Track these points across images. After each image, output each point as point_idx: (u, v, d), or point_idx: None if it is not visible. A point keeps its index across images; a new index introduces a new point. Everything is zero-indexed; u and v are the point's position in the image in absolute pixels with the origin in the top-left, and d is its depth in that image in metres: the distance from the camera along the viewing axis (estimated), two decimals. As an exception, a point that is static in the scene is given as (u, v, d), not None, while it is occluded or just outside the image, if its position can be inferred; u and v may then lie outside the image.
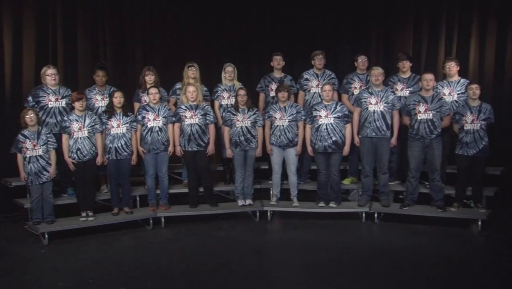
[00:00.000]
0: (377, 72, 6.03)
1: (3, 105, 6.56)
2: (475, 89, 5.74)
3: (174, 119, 6.10)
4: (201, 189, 6.36)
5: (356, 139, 6.13)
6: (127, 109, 5.98)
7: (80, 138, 5.66)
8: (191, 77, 6.28)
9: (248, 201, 6.32)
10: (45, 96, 5.89)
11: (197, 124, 6.06)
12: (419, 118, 5.85)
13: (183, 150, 6.13)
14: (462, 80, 6.13)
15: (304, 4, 7.95)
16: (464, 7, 7.14)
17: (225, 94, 6.49)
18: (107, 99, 6.07)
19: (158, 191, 6.24)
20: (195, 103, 6.10)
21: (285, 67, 6.70)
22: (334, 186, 6.19)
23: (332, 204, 6.21)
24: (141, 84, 6.38)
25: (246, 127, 6.13)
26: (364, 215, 6.14)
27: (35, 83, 6.37)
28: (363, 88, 6.37)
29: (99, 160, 5.79)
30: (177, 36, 7.92)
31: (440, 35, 7.25)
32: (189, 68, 6.30)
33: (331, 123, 6.01)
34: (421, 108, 5.83)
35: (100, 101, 6.19)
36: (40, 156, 5.53)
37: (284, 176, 6.41)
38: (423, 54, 7.39)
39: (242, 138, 6.13)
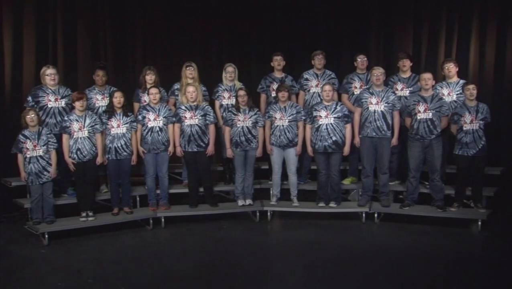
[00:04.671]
0: (378, 72, 6.04)
1: (3, 105, 6.56)
2: (472, 90, 5.76)
3: (174, 119, 6.10)
4: (201, 189, 6.36)
5: (357, 139, 6.14)
6: (127, 109, 5.98)
7: (80, 138, 5.66)
8: (189, 77, 6.28)
9: (248, 201, 6.32)
10: (44, 96, 5.89)
11: (197, 124, 6.06)
12: (418, 117, 5.85)
13: (183, 151, 6.13)
14: (462, 81, 6.13)
15: (304, 4, 7.95)
16: (464, 8, 7.14)
17: (226, 94, 6.49)
18: (107, 98, 6.07)
19: (158, 191, 6.24)
20: (195, 103, 6.10)
21: (285, 67, 6.70)
22: (334, 186, 6.19)
23: (332, 204, 6.21)
24: (141, 84, 6.37)
25: (247, 127, 6.13)
26: (364, 215, 6.14)
27: (35, 83, 6.36)
28: (363, 88, 6.37)
29: (99, 160, 5.79)
30: (177, 36, 7.91)
31: (440, 35, 7.25)
32: (187, 68, 6.29)
33: (331, 123, 6.01)
34: (421, 107, 5.84)
35: (100, 101, 6.19)
36: (40, 156, 5.53)
37: (284, 176, 6.41)
38: (423, 55, 7.39)
39: (243, 138, 6.13)
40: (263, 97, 6.69)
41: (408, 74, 6.38)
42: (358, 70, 6.57)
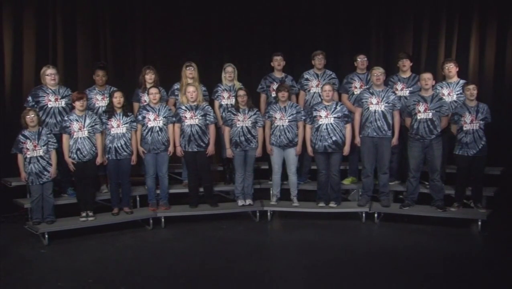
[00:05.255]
0: (378, 72, 6.04)
1: (3, 105, 6.56)
2: (473, 90, 5.76)
3: (174, 119, 6.10)
4: (201, 189, 6.36)
5: (357, 139, 6.14)
6: (127, 109, 5.98)
7: (80, 138, 5.66)
8: (189, 77, 6.27)
9: (248, 201, 6.32)
10: (44, 96, 5.89)
11: (197, 124, 6.06)
12: (418, 117, 5.85)
13: (183, 151, 6.13)
14: (462, 81, 6.13)
15: (304, 4, 7.95)
16: (464, 8, 7.13)
17: (225, 94, 6.48)
18: (107, 99, 6.07)
19: (158, 191, 6.24)
20: (195, 103, 6.10)
21: (285, 67, 6.70)
22: (334, 186, 6.19)
23: (332, 204, 6.21)
24: (141, 84, 6.37)
25: (246, 127, 6.13)
26: (364, 215, 6.15)
27: (35, 83, 6.36)
28: (363, 88, 6.38)
29: (98, 160, 5.79)
30: (177, 36, 7.91)
31: (440, 35, 7.24)
32: (187, 68, 6.29)
33: (331, 123, 6.02)
34: (421, 107, 5.84)
35: (100, 101, 6.19)
36: (40, 156, 5.53)
37: (284, 176, 6.41)
38: (423, 54, 7.38)
39: (243, 138, 6.13)
40: (263, 97, 6.69)
41: (408, 74, 6.38)
42: (358, 70, 6.56)
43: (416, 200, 6.11)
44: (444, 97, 6.08)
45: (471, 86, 5.78)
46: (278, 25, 8.05)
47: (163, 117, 6.04)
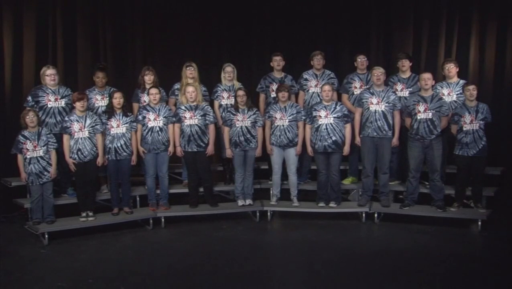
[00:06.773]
0: (379, 72, 6.04)
1: (3, 105, 6.55)
2: (472, 90, 5.76)
3: (174, 119, 6.10)
4: (201, 189, 6.36)
5: (357, 139, 6.14)
6: (127, 109, 5.98)
7: (81, 138, 5.66)
8: (189, 77, 6.28)
9: (248, 201, 6.32)
10: (44, 96, 5.89)
11: (196, 124, 6.06)
12: (419, 117, 5.85)
13: (183, 151, 6.13)
14: (462, 82, 6.14)
15: (304, 4, 7.95)
16: (464, 7, 7.13)
17: (225, 94, 6.49)
18: (107, 98, 6.07)
19: (158, 191, 6.24)
20: (194, 103, 6.10)
21: (285, 67, 6.70)
22: (334, 186, 6.19)
23: (332, 204, 6.21)
24: (140, 84, 6.38)
25: (246, 127, 6.13)
26: (364, 215, 6.15)
27: (35, 83, 6.37)
28: (364, 88, 6.38)
29: (99, 160, 5.78)
30: (177, 36, 7.91)
31: (440, 35, 7.24)
32: (187, 68, 6.30)
33: (331, 123, 6.02)
34: (421, 107, 5.84)
35: (100, 101, 6.19)
36: (40, 157, 5.53)
37: (284, 176, 6.41)
38: (423, 55, 7.38)
39: (242, 138, 6.13)
40: (262, 97, 6.69)
41: (407, 74, 6.38)
42: (358, 70, 6.57)
43: (416, 200, 6.11)
44: (444, 97, 6.08)
45: (471, 87, 5.79)
46: (278, 25, 8.05)
47: (163, 117, 6.05)
